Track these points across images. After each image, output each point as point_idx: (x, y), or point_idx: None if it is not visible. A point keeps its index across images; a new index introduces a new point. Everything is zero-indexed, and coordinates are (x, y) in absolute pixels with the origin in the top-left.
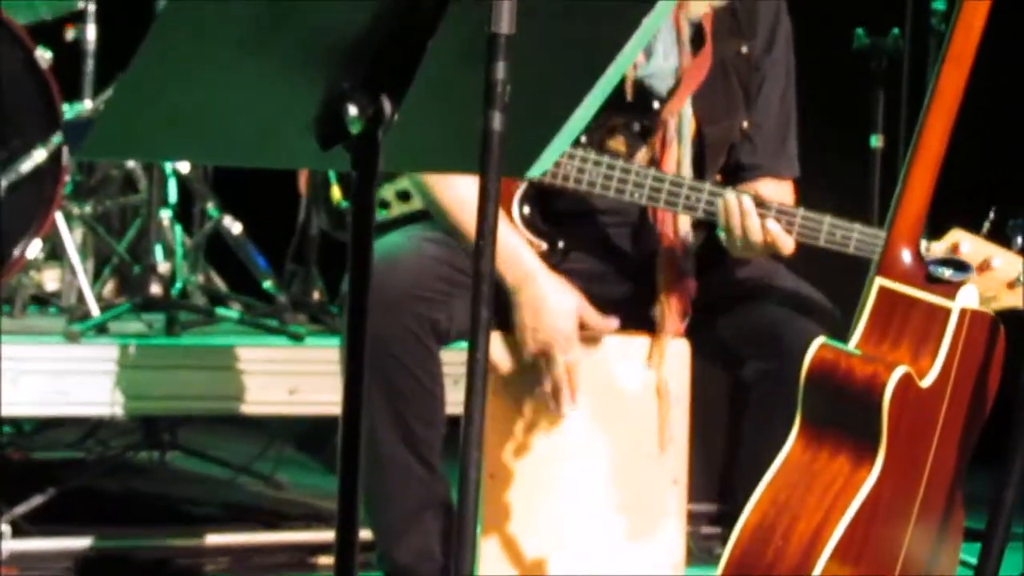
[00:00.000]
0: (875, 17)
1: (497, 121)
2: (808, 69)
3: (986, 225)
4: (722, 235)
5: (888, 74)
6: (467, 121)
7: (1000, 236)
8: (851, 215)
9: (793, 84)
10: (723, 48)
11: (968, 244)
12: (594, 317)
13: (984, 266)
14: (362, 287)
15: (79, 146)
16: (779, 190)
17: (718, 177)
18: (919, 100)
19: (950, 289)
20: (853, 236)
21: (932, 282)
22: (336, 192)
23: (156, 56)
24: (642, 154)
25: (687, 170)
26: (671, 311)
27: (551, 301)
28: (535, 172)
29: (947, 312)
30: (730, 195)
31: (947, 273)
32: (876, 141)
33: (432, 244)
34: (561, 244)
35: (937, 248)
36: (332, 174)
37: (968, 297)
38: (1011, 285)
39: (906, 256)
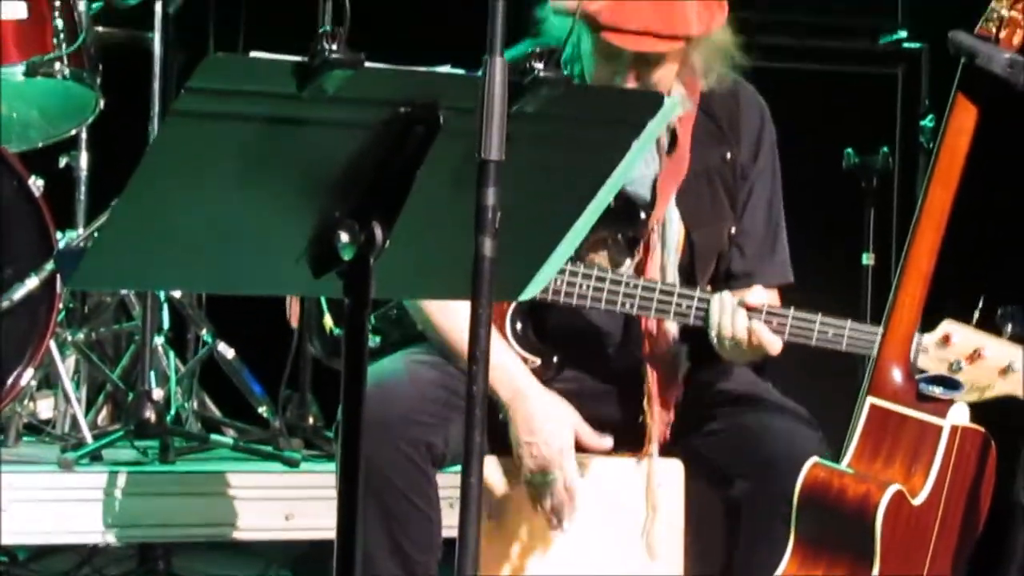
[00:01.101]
0: (865, 136)
1: (488, 247)
2: (800, 188)
3: (976, 315)
4: (712, 336)
5: (878, 192)
6: (458, 247)
7: (990, 325)
8: None
9: (779, 189)
10: (706, 155)
11: (959, 334)
12: (588, 434)
13: (976, 356)
14: (355, 410)
15: (72, 275)
16: (768, 298)
17: (708, 288)
18: (910, 217)
19: (941, 407)
20: (845, 333)
21: (923, 400)
22: (329, 320)
23: (148, 185)
24: (628, 264)
25: (672, 276)
26: (655, 419)
27: (546, 415)
28: (527, 295)
29: (938, 430)
30: (715, 295)
31: (937, 391)
32: (868, 259)
33: (427, 367)
34: (555, 359)
35: (929, 340)
36: (325, 303)
37: (959, 414)
38: (1003, 372)
39: (897, 375)
